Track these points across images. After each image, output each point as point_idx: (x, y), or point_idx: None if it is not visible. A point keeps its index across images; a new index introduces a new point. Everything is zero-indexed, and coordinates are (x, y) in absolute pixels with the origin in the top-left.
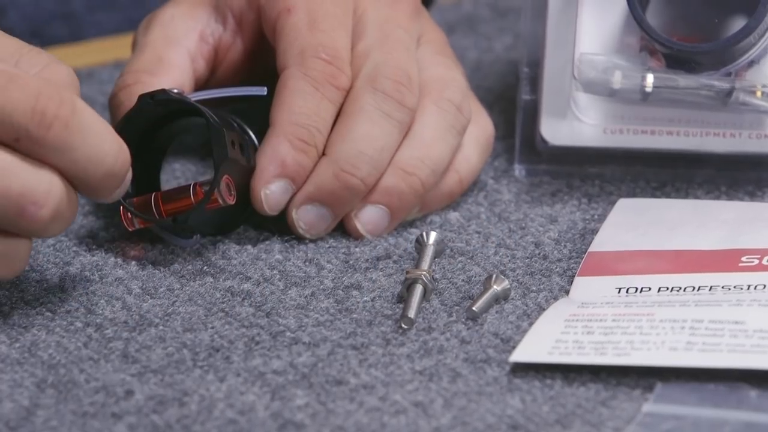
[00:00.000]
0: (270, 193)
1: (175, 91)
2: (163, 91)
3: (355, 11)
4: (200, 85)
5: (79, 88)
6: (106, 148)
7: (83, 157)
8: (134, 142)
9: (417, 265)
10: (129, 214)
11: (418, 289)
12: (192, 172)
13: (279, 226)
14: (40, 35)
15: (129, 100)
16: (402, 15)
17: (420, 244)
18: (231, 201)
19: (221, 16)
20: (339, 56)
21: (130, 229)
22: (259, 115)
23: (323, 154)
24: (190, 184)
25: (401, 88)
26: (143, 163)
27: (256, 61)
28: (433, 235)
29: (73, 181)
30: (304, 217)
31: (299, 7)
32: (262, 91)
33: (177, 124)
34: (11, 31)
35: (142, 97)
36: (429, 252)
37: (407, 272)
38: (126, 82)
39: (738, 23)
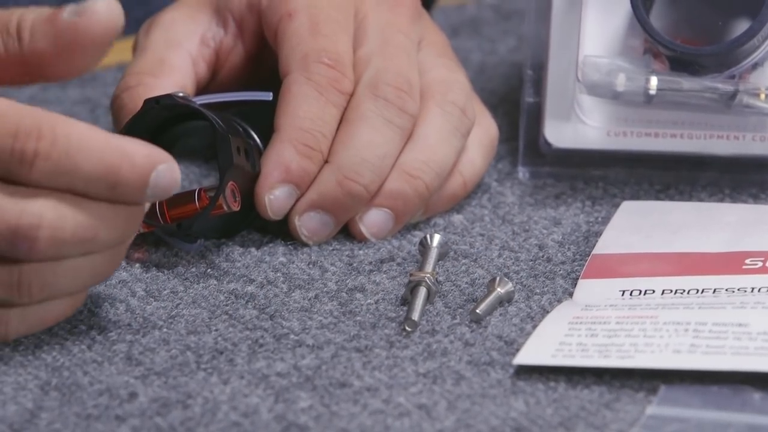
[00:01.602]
0: (274, 198)
1: (181, 94)
2: (169, 96)
3: (356, 15)
4: (201, 89)
5: None
6: (101, 163)
7: (80, 177)
8: None
9: (421, 268)
10: None
11: (422, 292)
12: (196, 174)
13: (283, 230)
14: None
15: (131, 101)
16: (403, 19)
17: (424, 247)
18: (236, 207)
19: (222, 19)
20: (341, 60)
21: None
22: (264, 120)
23: (326, 161)
24: (194, 190)
25: (402, 95)
26: None
27: (258, 64)
28: (436, 238)
29: (89, 196)
30: (306, 224)
31: (300, 11)
32: (268, 96)
33: (181, 127)
34: None
35: (148, 102)
36: (433, 254)
37: (411, 275)
38: (128, 84)
39: (742, 26)
